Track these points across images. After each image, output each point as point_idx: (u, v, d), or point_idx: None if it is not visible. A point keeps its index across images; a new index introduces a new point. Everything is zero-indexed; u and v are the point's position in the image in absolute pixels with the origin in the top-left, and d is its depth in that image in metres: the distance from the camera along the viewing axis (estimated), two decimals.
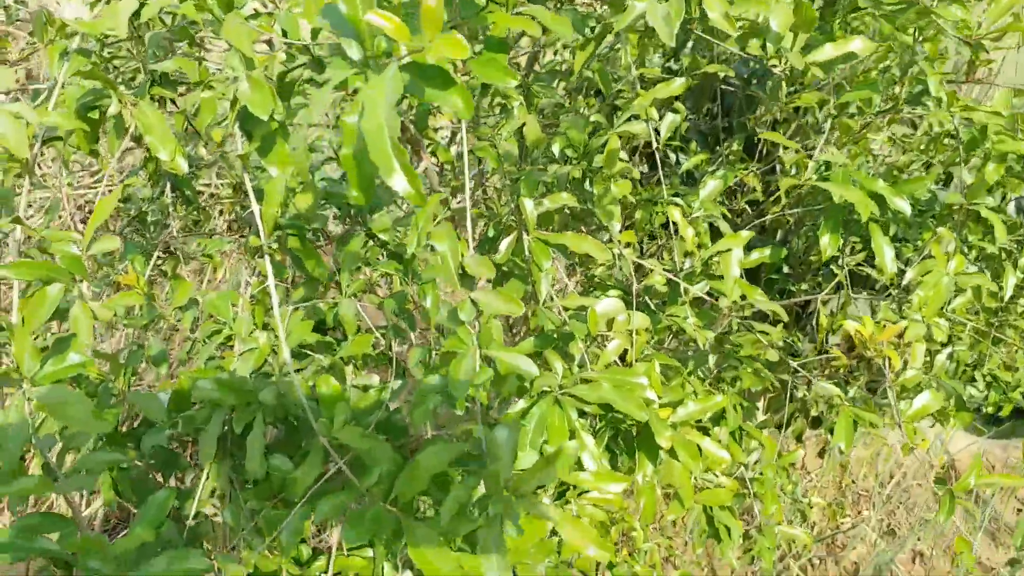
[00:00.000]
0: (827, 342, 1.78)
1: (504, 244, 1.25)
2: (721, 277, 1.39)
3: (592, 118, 1.50)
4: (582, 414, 1.12)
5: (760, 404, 2.01)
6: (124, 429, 1.12)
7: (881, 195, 1.30)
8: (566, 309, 1.26)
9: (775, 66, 1.24)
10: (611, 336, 1.25)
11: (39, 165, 3.21)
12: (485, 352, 1.00)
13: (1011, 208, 2.06)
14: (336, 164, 1.84)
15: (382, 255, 1.47)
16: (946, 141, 1.65)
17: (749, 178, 1.76)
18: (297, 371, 1.28)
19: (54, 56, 1.02)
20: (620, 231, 1.40)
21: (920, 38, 1.43)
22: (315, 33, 0.95)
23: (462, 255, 0.98)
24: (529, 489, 0.86)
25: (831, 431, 1.48)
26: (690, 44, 1.98)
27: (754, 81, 2.22)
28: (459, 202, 1.56)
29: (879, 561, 2.70)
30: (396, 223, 1.46)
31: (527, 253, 1.23)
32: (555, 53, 2.04)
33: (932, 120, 1.63)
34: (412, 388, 1.18)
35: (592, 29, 1.29)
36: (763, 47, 1.17)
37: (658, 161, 1.42)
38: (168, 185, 1.55)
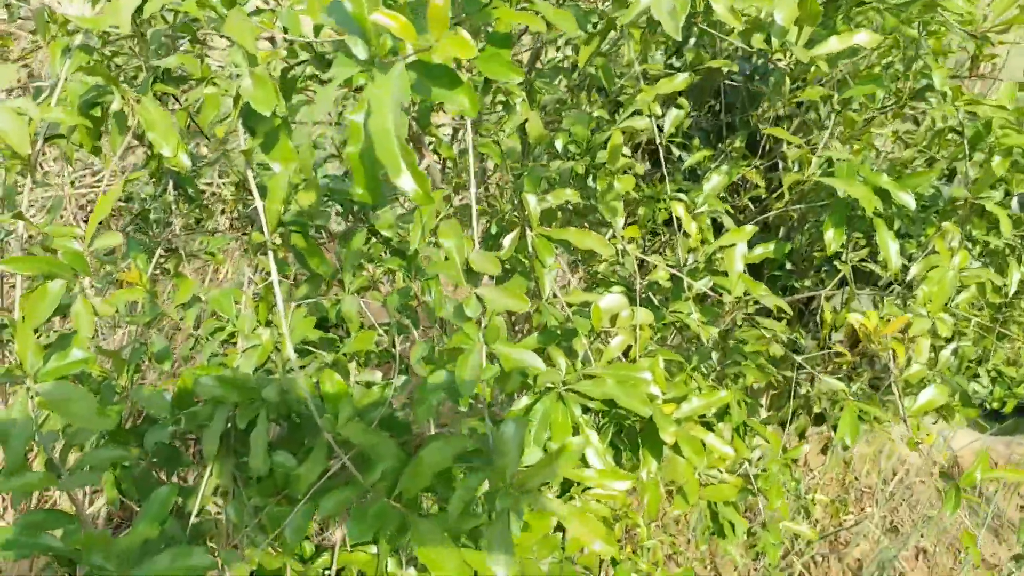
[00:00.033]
0: (830, 339, 1.77)
1: (507, 240, 1.25)
2: (725, 273, 1.38)
3: (595, 114, 1.50)
4: (586, 410, 1.12)
5: (763, 401, 2.00)
6: (127, 426, 1.11)
7: (885, 190, 1.29)
8: (569, 305, 1.26)
9: (780, 60, 1.24)
10: (615, 332, 1.24)
11: (41, 165, 3.21)
12: (490, 348, 1.00)
13: (1014, 204, 2.05)
14: (338, 161, 1.84)
15: (385, 252, 1.47)
16: (950, 136, 1.64)
17: (752, 174, 1.75)
18: (300, 368, 1.27)
19: (56, 52, 1.02)
20: (623, 227, 1.40)
21: (924, 32, 1.42)
22: (317, 30, 0.94)
23: (468, 251, 0.98)
24: (534, 485, 0.86)
25: (835, 427, 1.48)
26: (693, 40, 1.97)
27: (757, 77, 2.22)
28: (461, 199, 1.55)
29: (882, 558, 2.69)
30: (399, 220, 1.45)
31: (530, 249, 1.22)
32: (557, 50, 2.04)
33: (936, 115, 1.62)
34: (415, 385, 1.17)
35: (595, 25, 1.28)
36: (767, 41, 1.16)
37: (661, 157, 1.41)
38: (171, 183, 1.55)
